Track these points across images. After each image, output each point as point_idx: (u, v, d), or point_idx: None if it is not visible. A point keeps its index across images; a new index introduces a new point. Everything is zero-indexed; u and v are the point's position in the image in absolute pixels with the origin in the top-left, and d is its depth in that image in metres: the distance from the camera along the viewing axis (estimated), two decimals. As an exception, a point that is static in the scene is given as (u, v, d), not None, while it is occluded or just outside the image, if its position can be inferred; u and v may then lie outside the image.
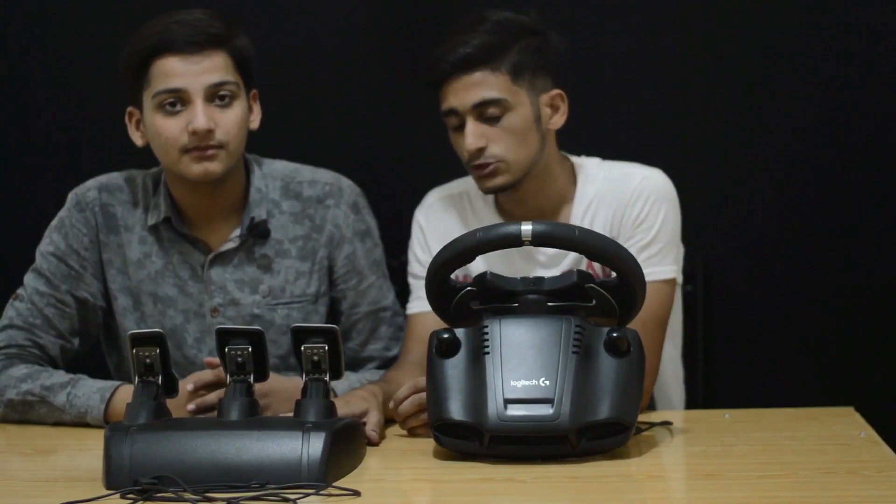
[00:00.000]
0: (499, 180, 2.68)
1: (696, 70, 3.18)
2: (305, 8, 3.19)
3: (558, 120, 2.72)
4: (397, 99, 3.23)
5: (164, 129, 2.56)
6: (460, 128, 2.68)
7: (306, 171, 2.73)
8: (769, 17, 3.17)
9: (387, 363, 2.73)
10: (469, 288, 2.36)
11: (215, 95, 2.57)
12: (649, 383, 2.65)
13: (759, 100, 3.18)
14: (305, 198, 2.70)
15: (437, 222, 2.81)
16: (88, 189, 2.70)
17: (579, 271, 2.34)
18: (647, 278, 2.55)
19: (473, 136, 2.65)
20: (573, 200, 2.75)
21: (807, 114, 3.17)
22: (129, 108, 2.63)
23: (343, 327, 2.71)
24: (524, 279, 2.36)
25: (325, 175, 2.74)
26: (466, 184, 2.83)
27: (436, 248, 2.72)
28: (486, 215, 2.79)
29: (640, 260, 2.62)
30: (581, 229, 2.32)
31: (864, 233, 3.18)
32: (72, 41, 3.23)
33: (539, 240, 2.29)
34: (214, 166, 2.57)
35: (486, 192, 2.71)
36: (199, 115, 2.54)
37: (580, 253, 2.34)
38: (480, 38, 2.64)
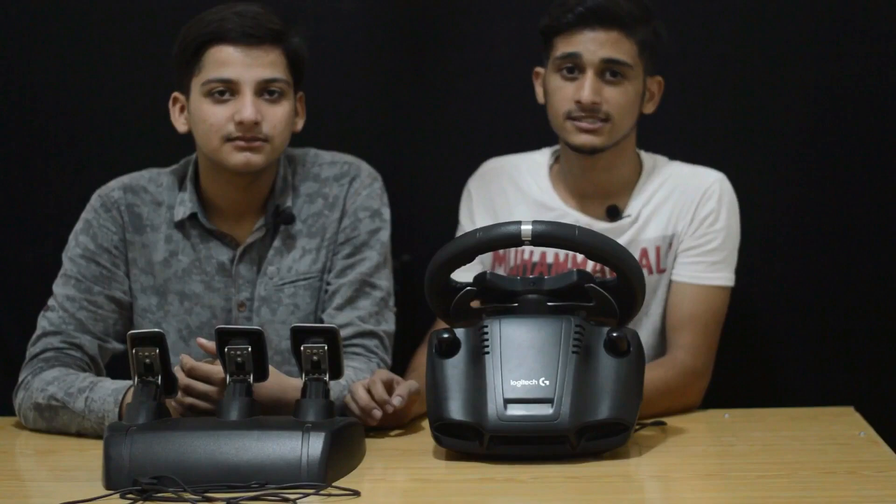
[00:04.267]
0: (597, 139, 2.66)
1: (696, 70, 3.18)
2: (306, 8, 3.19)
3: (652, 106, 2.75)
4: (398, 101, 3.23)
5: (210, 116, 2.55)
6: (573, 76, 2.66)
7: (327, 155, 2.72)
8: (768, 16, 3.16)
9: (364, 335, 2.64)
10: (469, 288, 2.36)
11: (265, 90, 2.56)
12: (705, 384, 2.68)
13: (758, 102, 3.17)
14: (323, 178, 2.68)
15: (484, 190, 2.82)
16: (112, 190, 2.67)
17: (579, 271, 2.34)
18: (713, 282, 2.71)
19: (593, 90, 2.63)
20: (633, 191, 2.76)
21: (807, 115, 3.16)
22: (175, 94, 2.62)
23: (325, 298, 2.67)
24: (524, 279, 2.37)
25: (344, 157, 2.72)
26: (522, 158, 2.84)
27: (480, 216, 2.74)
28: (539, 188, 2.78)
29: (708, 262, 2.71)
30: (581, 229, 2.32)
31: (865, 233, 3.18)
32: (77, 39, 3.23)
33: (539, 239, 2.29)
34: (257, 158, 2.56)
35: (581, 148, 2.68)
36: (248, 107, 2.53)
37: (580, 253, 2.34)
38: (622, 3, 2.65)
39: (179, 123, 2.62)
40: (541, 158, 2.83)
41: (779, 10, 3.15)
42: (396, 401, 2.37)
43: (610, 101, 2.65)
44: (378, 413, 2.37)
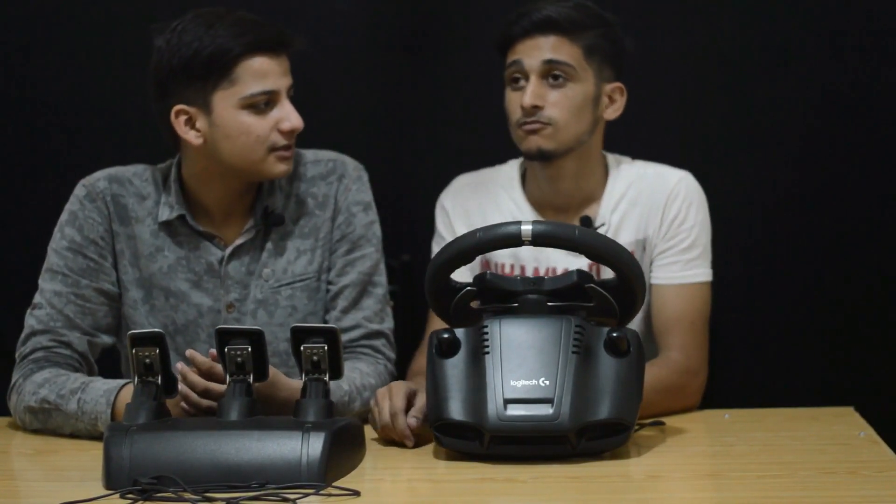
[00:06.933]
0: (544, 141, 2.70)
1: (696, 71, 3.18)
2: (306, 6, 3.19)
3: (613, 112, 2.77)
4: (397, 101, 3.23)
5: (255, 128, 2.53)
6: (519, 86, 2.71)
7: (309, 154, 2.71)
8: (766, 17, 3.17)
9: (372, 335, 2.66)
10: (469, 288, 2.36)
11: (288, 95, 2.57)
12: (702, 381, 2.69)
13: (758, 101, 3.18)
14: (309, 178, 2.68)
15: (461, 206, 2.83)
16: (98, 179, 2.65)
17: (579, 271, 2.34)
18: (692, 279, 2.72)
19: (533, 93, 2.69)
20: (602, 197, 2.77)
21: (806, 114, 3.17)
22: (179, 107, 2.55)
23: (327, 299, 2.67)
24: (524, 279, 2.37)
25: (327, 154, 2.72)
26: (494, 172, 2.86)
27: (461, 232, 2.74)
28: (512, 203, 2.81)
29: (683, 261, 2.72)
30: (581, 229, 2.32)
31: (865, 233, 3.18)
32: (76, 39, 3.23)
33: (539, 239, 2.29)
34: (290, 164, 2.60)
35: (529, 152, 2.72)
36: (294, 114, 2.55)
37: (580, 253, 2.35)
38: (565, 11, 2.70)
39: (192, 137, 2.56)
40: (511, 172, 2.85)
41: (776, 10, 3.15)
42: (412, 421, 2.34)
43: (554, 104, 2.69)
44: (410, 443, 2.32)
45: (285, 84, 2.55)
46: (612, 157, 2.82)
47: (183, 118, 2.55)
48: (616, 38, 2.75)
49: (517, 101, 2.71)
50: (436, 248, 2.83)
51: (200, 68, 2.51)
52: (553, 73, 2.69)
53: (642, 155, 2.84)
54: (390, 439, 2.35)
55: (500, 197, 2.82)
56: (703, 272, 2.75)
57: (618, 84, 2.76)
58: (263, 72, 2.52)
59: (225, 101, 2.53)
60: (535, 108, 2.69)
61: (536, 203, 2.80)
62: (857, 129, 3.17)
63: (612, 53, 2.74)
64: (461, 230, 2.78)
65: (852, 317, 3.19)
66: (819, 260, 3.19)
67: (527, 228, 2.28)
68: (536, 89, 2.69)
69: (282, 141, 2.55)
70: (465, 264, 2.36)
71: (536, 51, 2.70)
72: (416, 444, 2.33)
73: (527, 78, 2.70)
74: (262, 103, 2.53)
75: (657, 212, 2.75)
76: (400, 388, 2.37)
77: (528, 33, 2.70)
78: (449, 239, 2.77)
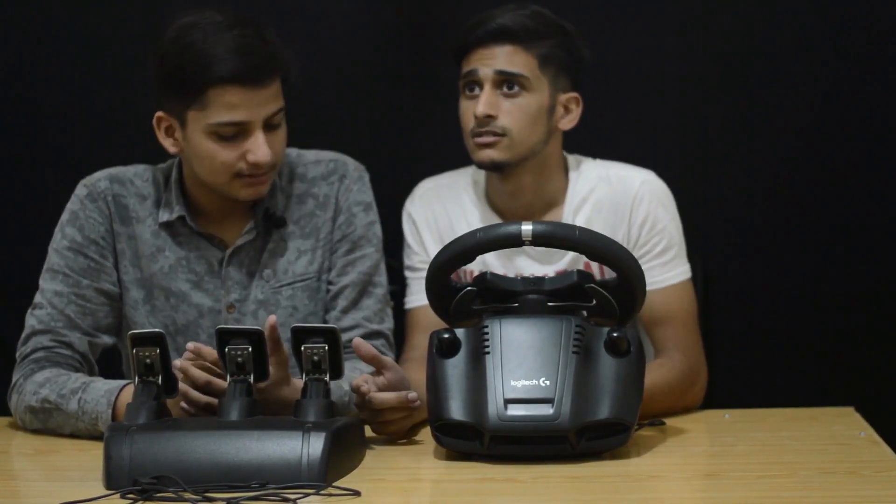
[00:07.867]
0: (497, 154, 2.69)
1: (694, 70, 3.19)
2: (306, 6, 3.19)
3: (568, 122, 2.75)
4: (396, 100, 3.23)
5: (220, 155, 2.51)
6: (474, 94, 2.71)
7: (310, 154, 2.71)
8: (767, 16, 3.17)
9: (371, 335, 2.65)
10: (469, 288, 2.36)
11: (268, 123, 2.52)
12: (705, 378, 2.68)
13: (758, 99, 3.18)
14: (310, 178, 2.68)
15: (427, 212, 2.83)
16: (99, 179, 2.65)
17: (579, 271, 2.34)
18: (674, 280, 2.72)
19: (486, 103, 2.68)
20: (564, 201, 2.77)
21: (806, 113, 3.17)
22: (160, 114, 2.55)
23: (327, 299, 2.68)
24: (524, 279, 2.37)
25: (328, 154, 2.71)
26: (457, 176, 2.86)
27: (428, 238, 2.76)
28: (475, 208, 2.80)
29: (661, 264, 2.72)
30: (581, 229, 2.32)
31: (864, 233, 3.18)
32: (76, 39, 3.23)
33: (539, 240, 2.30)
34: (264, 188, 2.57)
35: (481, 164, 2.72)
36: (263, 148, 2.49)
37: (580, 253, 2.35)
38: (521, 19, 2.69)
39: (168, 144, 2.56)
40: (476, 176, 2.84)
41: (774, 9, 3.16)
42: (365, 385, 2.32)
43: (507, 113, 2.68)
44: (366, 387, 2.31)
45: (262, 114, 2.49)
46: (572, 159, 2.81)
47: (164, 126, 2.56)
48: (573, 48, 2.73)
49: (471, 109, 2.70)
50: (406, 260, 2.84)
51: (178, 85, 2.49)
52: (507, 82, 2.68)
53: (642, 153, 2.84)
54: (373, 418, 2.34)
55: (465, 203, 2.82)
56: (682, 270, 2.74)
57: (574, 94, 2.75)
58: (234, 104, 2.48)
59: (195, 123, 2.51)
60: (489, 118, 2.68)
61: (499, 210, 2.80)
62: (856, 129, 3.17)
63: (568, 63, 2.73)
64: (428, 238, 2.80)
65: (852, 317, 3.19)
66: (819, 260, 3.19)
67: (527, 228, 2.28)
68: (490, 98, 2.68)
69: (247, 170, 2.53)
70: (465, 264, 2.37)
71: (491, 60, 2.69)
72: (406, 442, 2.35)
73: (481, 87, 2.69)
74: (229, 134, 2.50)
75: (623, 216, 2.74)
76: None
77: (482, 42, 2.69)
78: (418, 249, 2.80)
